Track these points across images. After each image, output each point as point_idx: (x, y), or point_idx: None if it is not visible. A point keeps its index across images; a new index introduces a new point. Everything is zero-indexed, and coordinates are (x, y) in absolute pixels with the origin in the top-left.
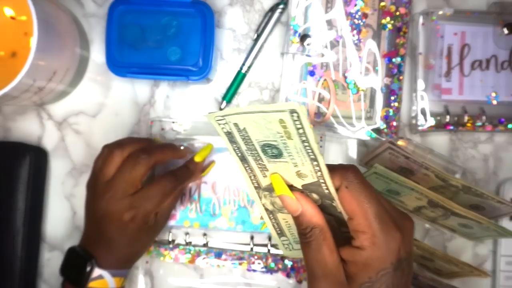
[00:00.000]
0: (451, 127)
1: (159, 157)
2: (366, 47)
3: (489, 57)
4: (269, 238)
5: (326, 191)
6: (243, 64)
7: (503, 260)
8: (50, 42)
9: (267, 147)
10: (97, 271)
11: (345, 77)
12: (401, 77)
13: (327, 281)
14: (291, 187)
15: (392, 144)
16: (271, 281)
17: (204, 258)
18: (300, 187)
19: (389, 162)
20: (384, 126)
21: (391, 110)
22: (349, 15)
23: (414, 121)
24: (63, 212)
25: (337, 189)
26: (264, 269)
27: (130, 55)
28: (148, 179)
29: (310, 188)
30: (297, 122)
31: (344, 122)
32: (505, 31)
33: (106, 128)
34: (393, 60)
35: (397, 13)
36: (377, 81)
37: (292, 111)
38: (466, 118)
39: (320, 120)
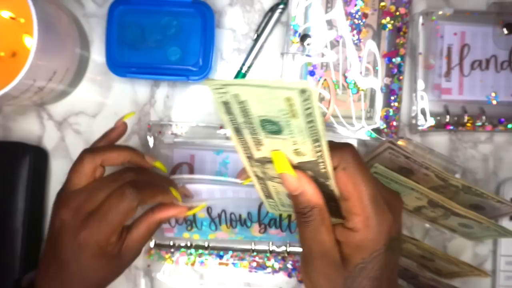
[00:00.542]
0: (451, 127)
1: (147, 198)
2: (366, 47)
3: (489, 57)
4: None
5: (323, 170)
6: (243, 64)
7: (503, 260)
8: (50, 42)
9: (266, 122)
10: None
11: (345, 77)
12: (401, 77)
13: (324, 261)
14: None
15: (392, 144)
16: (272, 281)
17: (205, 259)
18: (295, 164)
19: (389, 162)
20: (384, 126)
21: (391, 110)
22: (349, 15)
23: (414, 121)
24: None
25: (334, 169)
26: (265, 270)
27: (130, 55)
28: None
29: (305, 166)
30: (307, 102)
31: (344, 122)
32: (505, 31)
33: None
34: (393, 60)
35: (397, 13)
36: (377, 81)
37: (303, 91)
38: (466, 118)
39: None
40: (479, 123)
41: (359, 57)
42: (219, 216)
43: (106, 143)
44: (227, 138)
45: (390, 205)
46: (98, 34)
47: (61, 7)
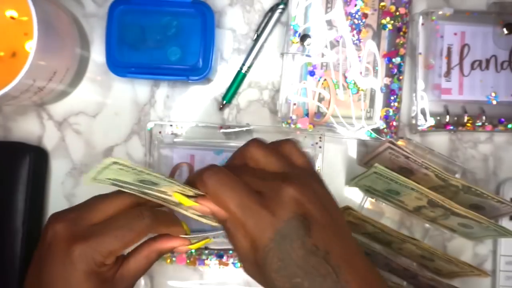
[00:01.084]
0: (451, 127)
1: (161, 227)
2: (366, 47)
3: (489, 57)
4: None
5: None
6: (243, 64)
7: (503, 260)
8: (50, 42)
9: (142, 182)
10: None
11: (345, 77)
12: (401, 77)
13: (248, 263)
14: (193, 196)
15: (392, 144)
16: None
17: (205, 259)
18: (193, 194)
19: (389, 162)
20: (384, 126)
21: (391, 110)
22: (349, 15)
23: (414, 121)
24: None
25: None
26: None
27: (130, 55)
28: None
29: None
30: (122, 167)
31: (344, 122)
32: (505, 31)
33: (106, 128)
34: (393, 60)
35: (397, 13)
36: (377, 81)
37: (112, 164)
38: (466, 118)
39: (320, 120)
40: (479, 123)
41: (359, 57)
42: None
43: None
44: (228, 139)
45: (267, 199)
46: (98, 34)
47: (61, 7)
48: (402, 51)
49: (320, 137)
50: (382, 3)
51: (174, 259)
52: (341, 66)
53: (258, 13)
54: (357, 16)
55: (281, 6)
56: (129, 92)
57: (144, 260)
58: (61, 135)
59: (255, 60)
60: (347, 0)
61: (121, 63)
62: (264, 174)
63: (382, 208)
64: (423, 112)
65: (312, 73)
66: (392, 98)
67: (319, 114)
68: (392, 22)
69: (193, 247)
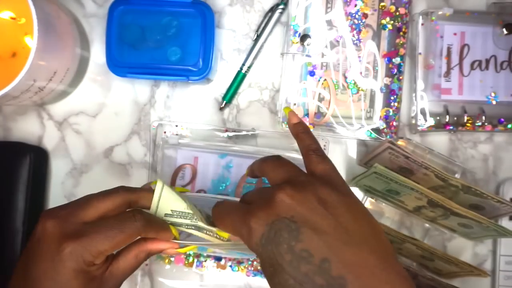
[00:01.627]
0: (451, 127)
1: (152, 230)
2: (366, 47)
3: (489, 57)
4: None
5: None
6: (243, 64)
7: (503, 260)
8: (50, 42)
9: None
10: None
11: (345, 77)
12: (401, 77)
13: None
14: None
15: (392, 144)
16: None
17: (203, 261)
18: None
19: (389, 162)
20: (384, 126)
21: (391, 110)
22: (349, 15)
23: (413, 121)
24: None
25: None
26: (263, 275)
27: (130, 55)
28: None
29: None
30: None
31: (344, 122)
32: (505, 31)
33: (106, 128)
34: (393, 60)
35: (397, 13)
36: (377, 81)
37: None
38: (465, 118)
39: (320, 120)
40: (478, 123)
41: (359, 57)
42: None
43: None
44: (234, 142)
45: (255, 207)
46: (98, 34)
47: (61, 7)
48: (402, 51)
49: (325, 145)
50: (382, 3)
51: (172, 259)
52: (341, 66)
53: (258, 13)
54: (357, 16)
55: (281, 6)
56: (129, 92)
57: (133, 259)
58: (61, 135)
59: (255, 60)
60: (347, 0)
61: (121, 63)
62: (268, 187)
63: (382, 208)
64: (423, 112)
65: (312, 73)
66: (392, 98)
67: (319, 114)
68: (392, 22)
69: (181, 251)
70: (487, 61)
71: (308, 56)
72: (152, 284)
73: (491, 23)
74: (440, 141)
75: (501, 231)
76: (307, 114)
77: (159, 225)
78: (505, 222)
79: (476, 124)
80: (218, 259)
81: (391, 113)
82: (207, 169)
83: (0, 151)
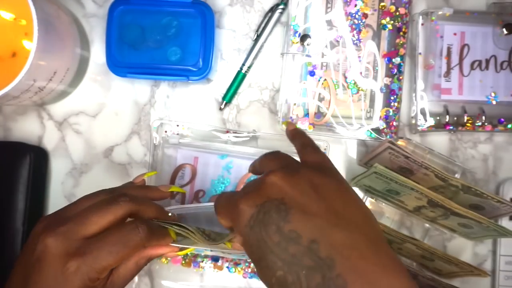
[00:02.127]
0: (451, 127)
1: (154, 241)
2: (366, 47)
3: (489, 57)
4: None
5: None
6: (243, 64)
7: (503, 260)
8: (51, 42)
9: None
10: None
11: (345, 77)
12: (401, 77)
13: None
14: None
15: (392, 144)
16: None
17: (201, 262)
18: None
19: (389, 162)
20: (384, 126)
21: (391, 110)
22: (349, 15)
23: (413, 121)
24: None
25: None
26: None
27: (130, 55)
28: None
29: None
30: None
31: (344, 122)
32: (505, 31)
33: (106, 128)
34: (393, 60)
35: (397, 13)
36: (377, 81)
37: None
38: (465, 118)
39: (320, 120)
40: (478, 123)
41: (359, 57)
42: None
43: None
44: (234, 143)
45: (248, 191)
46: (98, 34)
47: (61, 7)
48: (402, 51)
49: (325, 148)
50: (382, 3)
51: (169, 259)
52: (341, 66)
53: (258, 13)
54: (357, 16)
55: (281, 6)
56: (129, 92)
57: (133, 266)
58: (61, 135)
59: (255, 60)
60: (347, 0)
61: (121, 63)
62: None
63: (382, 208)
64: (423, 112)
65: (312, 73)
66: (392, 98)
67: (319, 114)
68: (392, 22)
69: (181, 254)
70: (487, 61)
71: (308, 56)
72: (153, 285)
73: (491, 23)
74: (440, 141)
75: (501, 231)
76: (307, 114)
77: (161, 233)
78: (505, 222)
79: (476, 124)
80: (215, 259)
81: (391, 113)
82: (207, 169)
83: (0, 151)
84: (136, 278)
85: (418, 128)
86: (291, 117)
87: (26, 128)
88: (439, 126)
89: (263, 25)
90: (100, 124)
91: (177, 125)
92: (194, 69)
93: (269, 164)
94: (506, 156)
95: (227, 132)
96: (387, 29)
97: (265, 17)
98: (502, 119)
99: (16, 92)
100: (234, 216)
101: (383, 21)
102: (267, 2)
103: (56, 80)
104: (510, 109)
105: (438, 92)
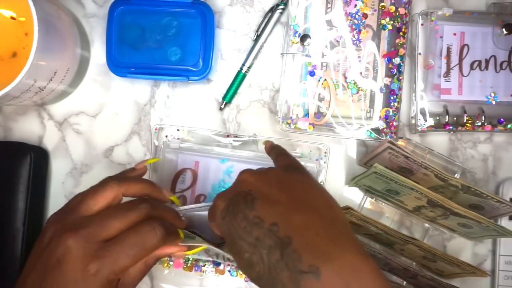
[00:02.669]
0: (451, 127)
1: (170, 242)
2: (366, 47)
3: (488, 57)
4: None
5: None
6: (243, 64)
7: (502, 260)
8: (51, 43)
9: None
10: None
11: (345, 77)
12: (400, 77)
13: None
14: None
15: (391, 144)
16: None
17: (202, 266)
18: None
19: (389, 162)
20: (384, 126)
21: (390, 110)
22: (349, 15)
23: (413, 121)
24: None
25: None
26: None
27: (131, 56)
28: None
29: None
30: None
31: (344, 122)
32: (504, 31)
33: (106, 128)
34: (393, 60)
35: (397, 14)
36: (377, 81)
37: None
38: (465, 118)
39: (320, 120)
40: (478, 123)
41: (359, 57)
42: (216, 255)
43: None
44: (234, 147)
45: (218, 195)
46: (99, 35)
47: (62, 8)
48: (401, 51)
49: (326, 152)
50: (382, 4)
51: (171, 263)
52: (341, 66)
53: (258, 13)
54: (357, 16)
55: (281, 6)
56: (129, 92)
57: (143, 266)
58: (61, 135)
59: (255, 60)
60: (347, 0)
61: (121, 63)
62: None
63: (382, 208)
64: (422, 112)
65: (312, 73)
66: (392, 98)
67: (319, 114)
68: (391, 22)
69: (189, 253)
70: (487, 61)
71: (308, 56)
72: (152, 283)
73: (490, 23)
74: (440, 141)
75: (501, 231)
76: (307, 114)
77: (174, 233)
78: (504, 222)
79: (476, 124)
80: (217, 264)
81: (391, 113)
82: (208, 174)
83: (0, 151)
84: (143, 284)
85: (418, 128)
86: (291, 117)
87: (27, 128)
88: (439, 126)
89: (263, 25)
90: (100, 124)
91: (178, 130)
92: (194, 69)
93: (248, 177)
94: (506, 156)
95: (228, 136)
96: (387, 29)
97: (265, 17)
98: (502, 119)
99: (16, 92)
100: (211, 213)
101: (383, 21)
102: (267, 2)
103: (56, 80)
104: (509, 109)
105: (437, 92)
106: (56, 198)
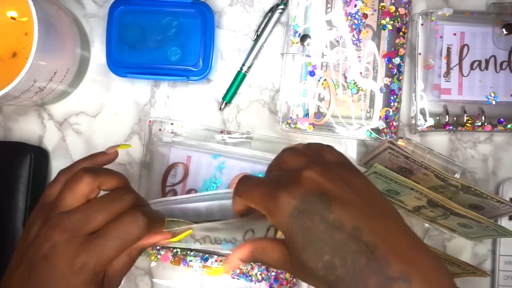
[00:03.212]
0: (451, 127)
1: (154, 230)
2: (366, 47)
3: (488, 57)
4: None
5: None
6: (243, 64)
7: (502, 260)
8: (51, 43)
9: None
10: None
11: (345, 77)
12: (400, 77)
13: (287, 262)
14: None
15: (391, 144)
16: None
17: (190, 261)
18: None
19: (389, 162)
20: (384, 126)
21: (390, 110)
22: (349, 15)
23: (413, 121)
24: None
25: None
26: (248, 278)
27: (131, 56)
28: None
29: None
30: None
31: (344, 122)
32: (504, 31)
33: (106, 128)
34: (393, 60)
35: (397, 14)
36: (377, 81)
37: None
38: (465, 118)
39: (320, 120)
40: (478, 123)
41: (359, 57)
42: (204, 239)
43: (91, 165)
44: (226, 143)
45: (284, 182)
46: (99, 35)
47: (62, 8)
48: (401, 51)
49: None
50: (382, 4)
51: (159, 256)
52: (341, 66)
53: (258, 13)
54: (357, 16)
55: (281, 6)
56: (129, 92)
57: (126, 258)
58: (61, 135)
59: (255, 60)
60: (347, 0)
61: (121, 63)
62: (290, 168)
63: None
64: (422, 112)
65: (312, 73)
66: (392, 98)
67: (319, 114)
68: (391, 22)
69: (174, 240)
70: (487, 61)
71: (308, 56)
72: (153, 285)
73: (490, 23)
74: (440, 141)
75: (501, 231)
76: (307, 114)
77: (157, 220)
78: (504, 222)
79: (476, 124)
80: (204, 259)
81: (391, 113)
82: (200, 169)
83: (0, 151)
84: (143, 282)
85: (418, 128)
86: (291, 117)
87: (27, 128)
88: (439, 126)
89: (263, 25)
90: (100, 124)
91: (172, 123)
92: (194, 69)
93: (297, 159)
94: (506, 156)
95: (221, 132)
96: (387, 29)
97: (265, 17)
98: (502, 119)
99: (16, 92)
100: (270, 206)
101: (383, 21)
102: (267, 2)
103: (56, 80)
104: (509, 109)
105: (437, 92)
106: None
